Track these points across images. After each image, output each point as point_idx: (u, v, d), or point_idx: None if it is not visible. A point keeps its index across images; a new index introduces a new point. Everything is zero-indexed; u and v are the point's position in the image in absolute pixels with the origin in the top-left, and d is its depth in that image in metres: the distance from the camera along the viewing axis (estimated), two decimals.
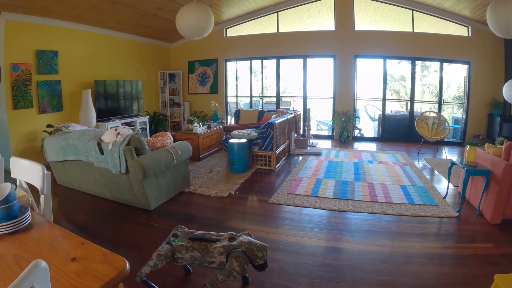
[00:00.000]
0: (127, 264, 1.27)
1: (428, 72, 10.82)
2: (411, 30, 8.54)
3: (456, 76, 9.34)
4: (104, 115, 7.56)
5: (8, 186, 1.55)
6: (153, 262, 2.34)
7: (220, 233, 2.57)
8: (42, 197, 2.03)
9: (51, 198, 2.11)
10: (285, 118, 7.04)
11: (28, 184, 2.25)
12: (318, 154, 7.48)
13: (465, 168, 3.96)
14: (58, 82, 6.69)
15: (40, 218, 1.71)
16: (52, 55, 6.51)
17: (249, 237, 2.48)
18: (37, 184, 2.05)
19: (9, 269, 1.22)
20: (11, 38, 5.76)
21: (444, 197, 4.61)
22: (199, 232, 2.61)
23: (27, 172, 2.15)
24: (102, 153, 4.19)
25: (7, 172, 2.42)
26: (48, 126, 6.11)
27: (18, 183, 2.25)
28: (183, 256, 2.38)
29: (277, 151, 6.41)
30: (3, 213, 1.51)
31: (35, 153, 6.22)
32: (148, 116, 9.18)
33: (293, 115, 7.83)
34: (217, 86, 10.43)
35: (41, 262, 0.80)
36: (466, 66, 8.39)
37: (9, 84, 5.76)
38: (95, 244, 1.43)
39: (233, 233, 2.56)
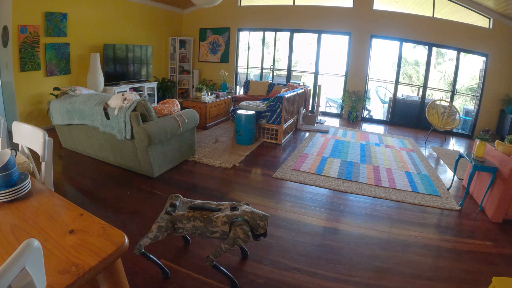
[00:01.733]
0: (126, 239, 1.24)
1: (443, 60, 10.52)
2: (431, 15, 8.22)
3: (471, 67, 9.05)
4: (112, 79, 7.50)
5: (8, 153, 1.51)
6: (153, 234, 2.27)
7: (221, 203, 2.54)
8: (43, 164, 2.00)
9: (55, 162, 2.08)
10: (295, 92, 6.94)
11: (31, 150, 2.23)
12: (325, 131, 7.42)
13: (473, 163, 3.90)
14: (66, 45, 6.58)
15: (40, 186, 1.68)
16: (61, 17, 6.37)
17: (249, 207, 2.46)
18: (38, 150, 2.02)
19: (6, 240, 1.20)
20: None
21: (448, 189, 4.57)
22: (199, 201, 2.58)
23: (29, 137, 2.12)
24: (108, 118, 4.16)
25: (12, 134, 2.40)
26: (55, 89, 6.06)
27: (20, 148, 2.22)
28: (184, 226, 2.33)
29: (285, 126, 6.37)
30: (2, 180, 1.49)
31: (41, 116, 6.21)
32: (157, 82, 9.10)
33: (303, 90, 7.72)
34: (228, 55, 10.27)
35: (34, 242, 0.77)
36: (483, 59, 8.11)
37: (17, 46, 5.67)
38: (94, 216, 1.41)
39: (234, 202, 2.54)
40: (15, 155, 1.69)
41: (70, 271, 1.03)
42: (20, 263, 0.71)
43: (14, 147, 2.16)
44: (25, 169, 1.84)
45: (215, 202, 2.55)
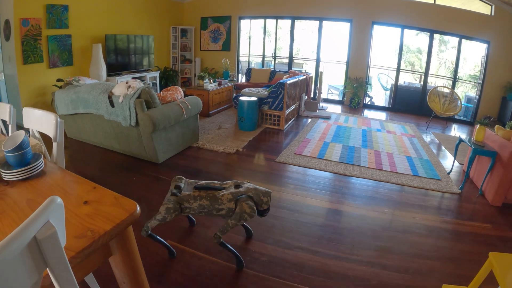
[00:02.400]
0: (138, 208, 1.31)
1: (446, 48, 10.45)
2: (433, 2, 8.17)
3: (473, 54, 9.00)
4: (114, 69, 7.54)
5: (22, 133, 1.57)
6: (161, 216, 2.34)
7: (224, 182, 2.62)
8: (54, 144, 2.07)
9: None
10: (296, 79, 6.98)
11: (40, 134, 2.30)
12: (327, 117, 7.47)
13: (473, 147, 3.94)
14: (68, 36, 6.61)
15: (53, 165, 1.74)
16: (62, 9, 6.39)
17: (252, 184, 2.56)
18: (50, 132, 2.09)
19: (23, 212, 1.27)
20: None
21: (449, 173, 4.62)
22: (203, 181, 2.64)
23: (40, 121, 2.18)
24: (112, 106, 4.23)
25: (19, 127, 2.46)
26: (58, 80, 6.11)
27: (30, 132, 2.30)
28: (191, 205, 2.40)
29: (287, 112, 6.42)
30: (17, 159, 1.55)
31: (45, 108, 6.10)
32: (159, 71, 9.12)
33: (305, 77, 7.75)
34: (229, 43, 10.27)
35: (57, 198, 0.83)
36: (485, 46, 8.05)
37: (19, 39, 5.70)
38: (106, 189, 1.48)
39: (237, 181, 2.62)
40: (29, 137, 1.76)
41: (86, 236, 1.10)
42: (45, 216, 0.78)
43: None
44: (37, 151, 1.91)
45: (218, 182, 2.63)
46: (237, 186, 2.53)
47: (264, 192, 2.47)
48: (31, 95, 6.06)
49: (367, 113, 8.74)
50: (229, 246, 2.43)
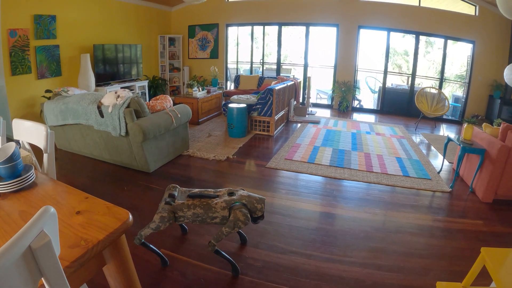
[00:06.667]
0: (130, 216, 1.33)
1: (432, 49, 10.64)
2: (418, 4, 8.32)
3: (460, 54, 9.16)
4: (103, 79, 7.51)
5: (13, 145, 1.57)
6: (155, 224, 2.33)
7: (218, 189, 2.63)
8: (45, 155, 2.07)
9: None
10: (285, 85, 7.03)
11: (31, 145, 2.30)
12: (316, 122, 7.51)
13: (461, 145, 3.99)
14: (56, 47, 6.59)
15: (44, 176, 1.75)
16: (50, 19, 6.37)
17: (246, 191, 2.56)
18: (40, 143, 2.08)
19: (16, 224, 1.27)
20: (8, 3, 5.60)
21: (439, 172, 4.68)
22: (196, 189, 2.65)
23: (30, 132, 2.18)
24: (102, 116, 4.21)
25: (8, 139, 2.45)
26: (47, 91, 6.07)
27: (21, 144, 2.29)
28: (185, 214, 2.39)
29: (276, 117, 6.45)
30: (8, 171, 1.55)
31: (34, 119, 6.06)
32: (148, 81, 9.12)
33: (293, 82, 7.80)
34: (217, 51, 10.30)
35: (50, 208, 0.84)
36: (470, 45, 8.21)
37: (7, 50, 5.67)
38: (98, 198, 1.49)
39: (231, 188, 2.63)
40: (19, 148, 1.76)
41: (79, 245, 1.11)
42: (39, 226, 0.79)
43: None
44: (28, 162, 1.90)
45: (212, 190, 2.63)
46: (230, 193, 2.53)
47: (258, 199, 2.48)
48: (20, 107, 6.01)
49: (356, 116, 8.81)
50: (224, 253, 2.43)
